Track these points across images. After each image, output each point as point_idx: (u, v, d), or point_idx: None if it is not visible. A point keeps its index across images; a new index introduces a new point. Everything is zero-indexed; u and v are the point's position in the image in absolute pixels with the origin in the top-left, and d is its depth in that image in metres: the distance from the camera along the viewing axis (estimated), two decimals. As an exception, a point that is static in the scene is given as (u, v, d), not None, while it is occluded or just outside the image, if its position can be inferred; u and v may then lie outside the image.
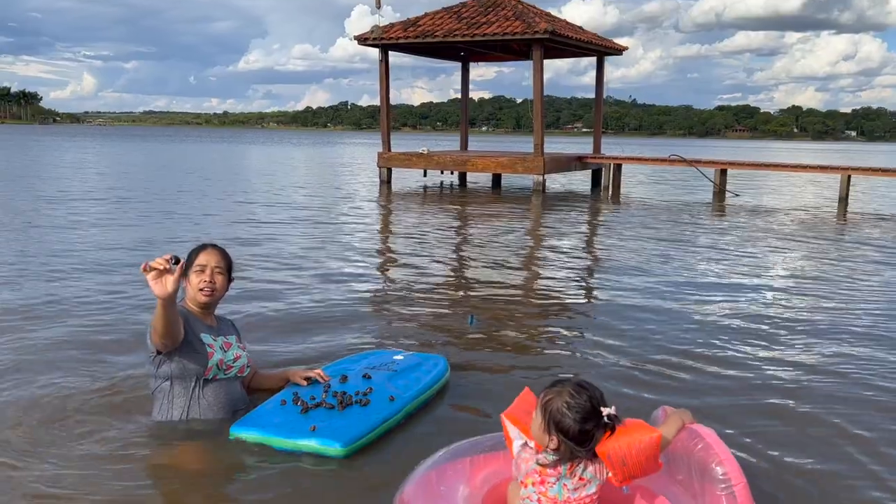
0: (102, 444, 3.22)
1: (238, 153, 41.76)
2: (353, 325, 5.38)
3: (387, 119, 20.15)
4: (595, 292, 7.00)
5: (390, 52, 19.72)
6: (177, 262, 3.04)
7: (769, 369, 4.61)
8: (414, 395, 3.63)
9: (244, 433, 3.21)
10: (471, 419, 3.59)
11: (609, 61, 21.75)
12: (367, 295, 6.54)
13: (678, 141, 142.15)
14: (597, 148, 21.69)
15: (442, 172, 22.42)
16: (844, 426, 3.71)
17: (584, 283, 7.40)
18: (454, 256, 8.86)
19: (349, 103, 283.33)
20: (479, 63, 24.33)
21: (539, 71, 17.94)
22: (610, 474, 2.28)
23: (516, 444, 2.40)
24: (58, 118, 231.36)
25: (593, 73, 21.79)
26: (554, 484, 2.27)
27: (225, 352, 3.51)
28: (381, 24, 19.17)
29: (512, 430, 2.42)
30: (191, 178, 20.84)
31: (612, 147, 28.68)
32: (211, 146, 52.81)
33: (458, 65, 23.44)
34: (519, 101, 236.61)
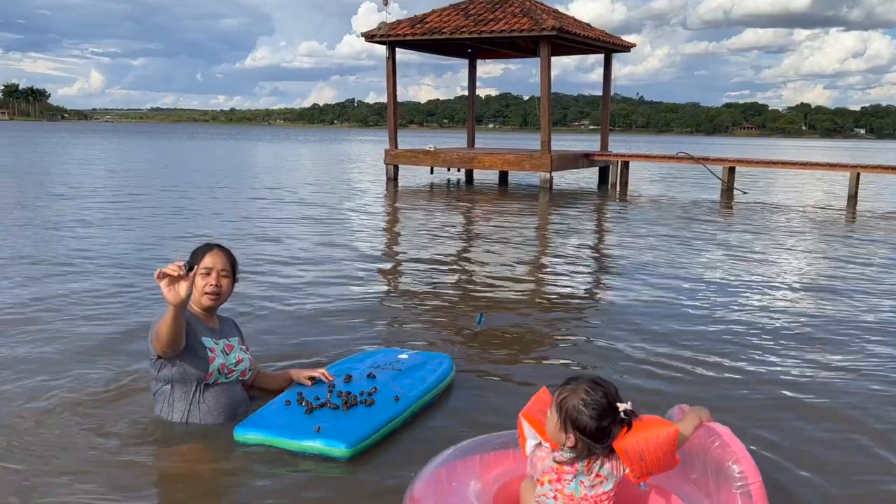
0: (106, 443, 3.20)
1: (245, 150, 41.79)
2: (357, 324, 5.34)
3: (394, 116, 20.12)
4: (603, 290, 6.95)
5: (397, 49, 19.67)
6: (190, 269, 3.09)
7: (780, 365, 4.60)
8: (419, 394, 3.60)
9: (248, 434, 3.19)
10: (476, 419, 3.55)
11: (616, 58, 21.69)
12: (372, 293, 6.51)
13: (685, 138, 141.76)
14: (604, 145, 21.61)
15: (449, 170, 22.37)
16: (860, 421, 3.71)
17: (591, 281, 7.35)
18: (460, 254, 8.82)
19: (356, 100, 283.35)
20: (487, 60, 24.25)
21: (546, 68, 17.87)
22: (627, 471, 2.26)
23: (530, 444, 2.38)
24: (66, 115, 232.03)
25: (600, 71, 21.72)
26: (571, 481, 2.26)
27: (227, 355, 3.48)
28: (388, 21, 19.14)
29: (528, 430, 2.40)
30: (199, 175, 20.85)
31: (620, 144, 28.52)
32: (218, 143, 52.88)
33: (465, 62, 23.38)
34: (526, 98, 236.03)
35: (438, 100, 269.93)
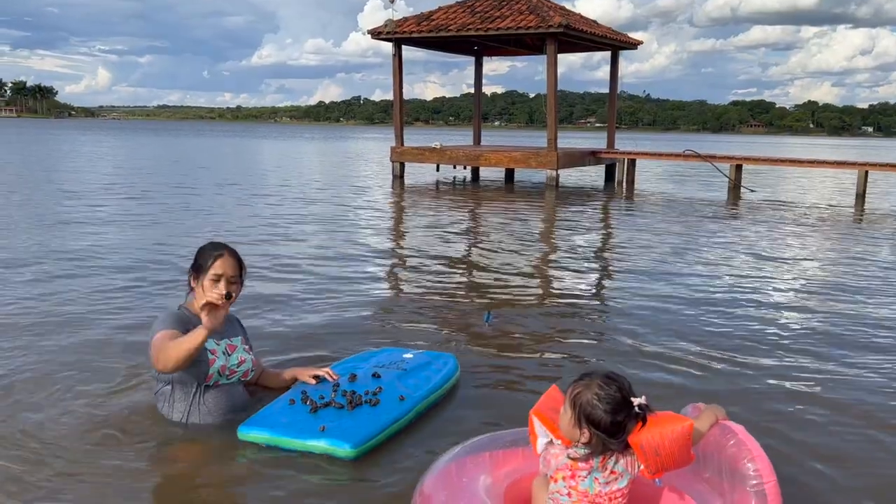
0: (109, 442, 3.18)
1: (251, 147, 41.85)
2: (362, 322, 5.32)
3: (400, 113, 20.09)
4: (610, 287, 6.91)
5: (403, 47, 19.64)
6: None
7: (790, 361, 4.60)
8: (424, 394, 3.56)
9: (252, 433, 3.16)
10: (481, 419, 3.52)
11: (623, 56, 21.60)
12: (377, 291, 6.48)
13: (692, 136, 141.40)
14: (611, 143, 21.54)
15: (455, 167, 22.33)
16: (874, 416, 3.72)
17: (598, 279, 7.31)
18: (466, 252, 8.79)
19: (362, 98, 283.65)
20: (493, 57, 24.21)
21: (553, 65, 17.82)
22: (642, 467, 2.24)
23: (541, 442, 2.36)
24: (73, 112, 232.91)
25: (606, 68, 21.70)
26: (585, 478, 2.24)
27: (228, 356, 3.46)
28: (394, 18, 19.11)
29: (539, 428, 2.38)
30: (206, 173, 20.87)
31: (626, 142, 28.48)
32: (225, 140, 52.97)
33: (471, 59, 23.34)
34: (532, 95, 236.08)
35: (444, 97, 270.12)
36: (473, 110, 25.10)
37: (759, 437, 2.42)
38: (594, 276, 7.47)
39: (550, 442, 2.34)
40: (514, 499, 2.50)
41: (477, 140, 23.97)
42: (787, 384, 4.21)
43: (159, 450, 3.18)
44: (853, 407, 3.86)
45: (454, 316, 5.59)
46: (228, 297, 3.13)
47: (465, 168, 22.13)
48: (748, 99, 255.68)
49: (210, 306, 3.03)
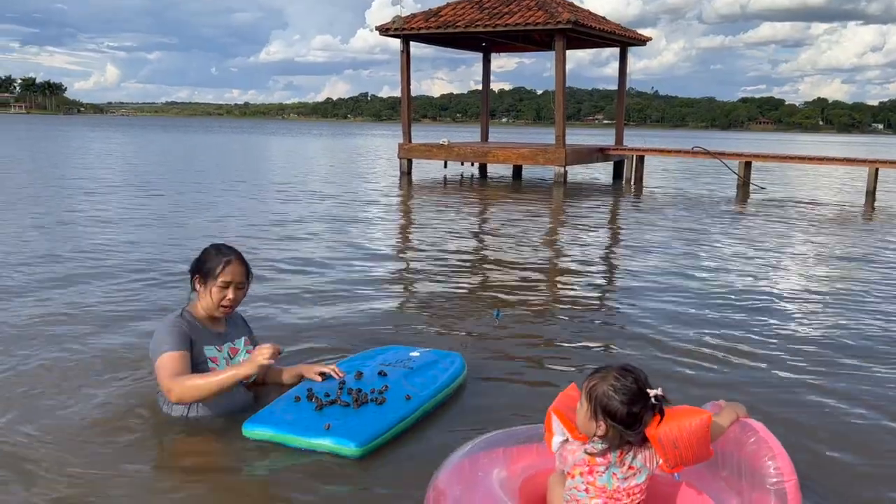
0: (112, 439, 3.16)
1: (260, 144, 41.90)
2: (368, 320, 5.29)
3: (408, 110, 20.06)
4: (620, 286, 6.86)
5: (411, 43, 19.60)
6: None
7: (804, 356, 4.59)
8: (431, 393, 3.53)
9: (257, 430, 3.14)
10: (488, 419, 3.48)
11: (631, 52, 21.52)
12: (384, 288, 6.45)
13: (701, 133, 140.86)
14: (619, 139, 21.45)
15: (462, 164, 22.30)
16: (888, 409, 3.73)
17: (608, 277, 7.26)
18: (474, 249, 8.75)
19: (369, 94, 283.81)
20: (501, 54, 24.14)
21: (561, 61, 17.75)
22: (661, 462, 2.22)
23: (556, 440, 2.34)
24: (82, 109, 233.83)
25: (615, 65, 21.62)
26: (603, 473, 2.21)
27: (231, 359, 3.46)
28: (402, 15, 19.07)
29: (556, 425, 2.36)
30: (215, 169, 20.89)
31: (635, 139, 28.38)
32: (233, 137, 53.07)
33: (479, 56, 23.28)
34: (539, 92, 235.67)
35: (452, 94, 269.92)
36: (481, 107, 25.04)
37: (774, 430, 2.40)
38: (603, 274, 7.42)
39: (566, 440, 2.32)
40: (529, 494, 2.48)
41: (484, 137, 23.91)
42: (802, 378, 4.21)
43: (163, 446, 3.17)
44: (866, 399, 3.87)
45: (462, 314, 5.56)
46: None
47: (472, 165, 22.09)
48: (757, 96, 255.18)
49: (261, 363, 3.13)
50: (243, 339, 3.60)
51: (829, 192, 17.81)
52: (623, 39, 20.12)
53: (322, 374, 3.62)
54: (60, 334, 4.66)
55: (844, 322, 5.52)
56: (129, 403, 3.55)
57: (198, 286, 3.42)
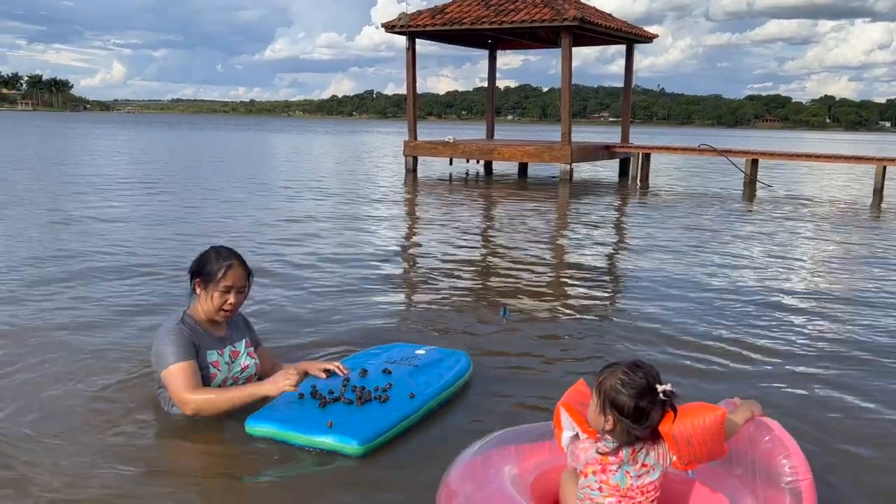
0: (115, 436, 3.14)
1: (265, 141, 41.93)
2: (374, 317, 5.26)
3: (413, 107, 20.03)
4: (626, 284, 6.82)
5: (417, 40, 19.56)
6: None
7: (815, 353, 4.58)
8: (435, 392, 3.50)
9: (259, 427, 3.12)
10: (493, 418, 3.45)
11: (637, 50, 21.41)
12: (390, 286, 6.43)
13: (707, 131, 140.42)
14: (625, 137, 21.38)
15: (468, 161, 22.26)
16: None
17: (614, 275, 7.22)
18: (480, 247, 8.72)
19: (374, 92, 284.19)
20: (507, 51, 24.08)
21: (567, 58, 17.69)
22: (674, 459, 2.20)
23: (566, 436, 2.33)
24: (88, 106, 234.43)
25: (620, 62, 21.56)
26: (616, 472, 2.20)
27: (232, 362, 3.45)
28: (408, 12, 19.03)
29: (566, 420, 2.34)
30: (221, 166, 20.91)
31: (641, 136, 28.29)
32: (239, 134, 53.10)
33: (485, 53, 23.21)
34: (545, 89, 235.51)
35: (457, 91, 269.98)
36: (487, 104, 25.00)
37: (788, 427, 2.38)
38: (610, 272, 7.38)
39: (576, 436, 2.31)
40: (541, 492, 2.47)
41: (490, 134, 23.87)
42: (815, 373, 4.20)
43: (165, 442, 3.15)
44: (880, 395, 3.87)
45: (468, 312, 5.52)
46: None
47: (477, 162, 22.05)
48: (764, 93, 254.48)
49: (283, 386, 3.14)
50: (244, 341, 3.58)
51: (837, 190, 17.72)
52: (629, 37, 20.05)
53: (326, 371, 3.59)
54: (63, 331, 4.65)
55: (855, 318, 5.49)
56: (131, 400, 3.53)
57: (198, 290, 3.39)
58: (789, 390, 3.96)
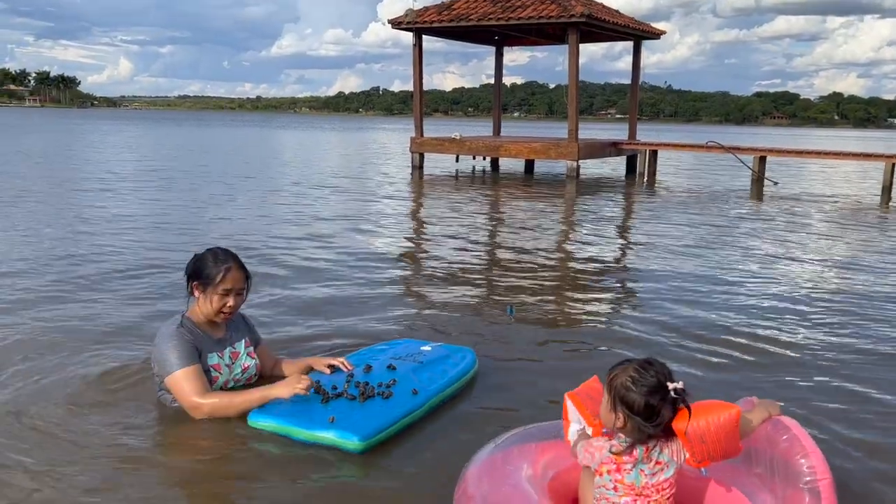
0: (117, 430, 3.13)
1: (272, 138, 41.97)
2: (380, 313, 5.25)
3: (420, 104, 20.00)
4: (634, 281, 6.78)
5: (423, 37, 19.52)
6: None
7: (825, 352, 4.55)
8: (438, 388, 3.48)
9: (262, 421, 3.12)
10: (497, 416, 3.43)
11: (645, 46, 21.32)
12: (397, 282, 6.41)
13: (714, 128, 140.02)
14: (632, 134, 21.31)
15: (474, 158, 22.22)
16: None
17: (621, 273, 7.19)
18: (487, 243, 8.70)
19: (381, 88, 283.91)
20: (513, 47, 24.03)
21: (574, 55, 17.63)
22: (688, 456, 2.19)
23: (573, 429, 2.34)
24: (95, 102, 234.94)
25: (627, 59, 21.57)
26: (630, 470, 2.19)
27: (232, 363, 3.45)
28: (414, 8, 18.99)
29: (572, 413, 2.35)
30: (228, 162, 20.93)
31: (648, 133, 28.30)
32: (246, 131, 53.17)
33: (491, 49, 23.18)
34: (552, 86, 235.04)
35: (464, 88, 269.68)
36: (493, 101, 24.94)
37: (805, 423, 2.39)
38: (617, 269, 7.35)
39: (583, 430, 2.32)
40: (558, 490, 2.45)
41: (497, 131, 23.82)
42: (825, 372, 4.18)
43: (167, 434, 3.14)
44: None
45: (475, 309, 5.51)
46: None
47: (484, 159, 22.01)
48: (772, 90, 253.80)
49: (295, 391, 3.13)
50: (244, 341, 3.57)
51: (845, 188, 17.63)
52: (637, 33, 19.97)
53: (331, 366, 3.60)
54: (65, 329, 4.65)
55: (867, 314, 5.46)
56: (135, 394, 3.52)
57: (196, 293, 3.38)
58: (802, 384, 3.96)
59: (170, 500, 2.65)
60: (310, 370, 3.66)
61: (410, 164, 19.86)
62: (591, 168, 21.91)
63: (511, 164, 22.12)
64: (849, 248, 8.73)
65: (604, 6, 19.77)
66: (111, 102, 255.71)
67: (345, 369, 3.57)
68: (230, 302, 3.37)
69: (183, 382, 3.20)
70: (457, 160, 22.19)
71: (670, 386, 2.15)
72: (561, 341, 4.74)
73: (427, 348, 3.96)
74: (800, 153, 18.94)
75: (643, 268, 7.27)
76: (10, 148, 24.27)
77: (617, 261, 7.76)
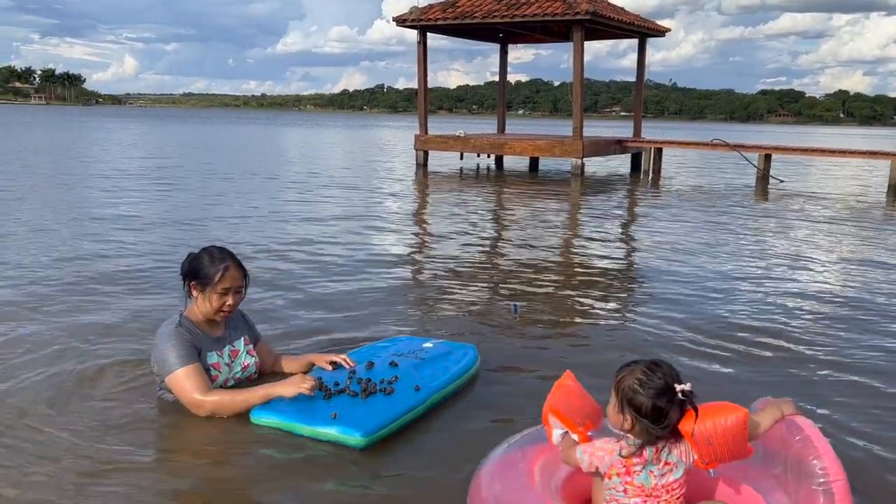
0: (118, 427, 3.13)
1: (277, 135, 42.01)
2: (383, 310, 5.24)
3: (424, 101, 19.98)
4: (639, 279, 6.77)
5: (428, 34, 19.51)
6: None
7: (833, 350, 4.52)
8: (440, 385, 3.48)
9: (264, 417, 3.12)
10: (498, 412, 3.43)
11: (649, 44, 21.24)
12: (400, 279, 6.41)
13: (719, 125, 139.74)
14: (637, 131, 21.27)
15: (479, 156, 22.20)
16: None
17: (626, 271, 7.17)
18: (491, 241, 8.69)
19: (385, 86, 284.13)
20: (518, 45, 23.98)
21: (579, 52, 17.59)
22: (696, 457, 2.19)
23: (556, 433, 2.35)
24: (100, 99, 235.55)
25: (632, 56, 21.45)
26: (640, 472, 2.19)
27: (232, 362, 3.45)
28: (419, 6, 18.98)
29: (552, 419, 2.34)
30: (234, 160, 20.95)
31: (653, 131, 28.20)
32: (251, 128, 53.24)
33: (496, 47, 23.13)
34: (556, 84, 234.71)
35: (468, 85, 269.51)
36: (498, 98, 24.92)
37: (816, 420, 2.37)
38: (622, 267, 7.33)
39: (567, 433, 2.32)
40: (572, 491, 2.44)
41: (501, 128, 23.79)
42: (833, 367, 4.19)
43: (170, 431, 3.14)
44: None
45: (478, 306, 5.50)
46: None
47: (488, 157, 21.99)
48: (777, 88, 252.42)
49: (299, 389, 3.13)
50: (243, 339, 3.57)
51: (850, 186, 17.56)
52: (641, 30, 19.92)
53: (333, 363, 3.60)
54: (68, 326, 4.66)
55: (874, 309, 5.46)
56: (137, 390, 3.52)
57: (195, 293, 3.37)
58: (811, 378, 3.97)
59: (170, 499, 2.65)
60: (311, 367, 3.66)
61: (415, 162, 19.85)
62: (596, 166, 21.88)
63: (515, 162, 22.10)
64: (855, 244, 8.69)
65: (609, 3, 19.73)
66: (116, 100, 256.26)
67: (346, 366, 3.57)
68: (229, 300, 3.36)
69: (184, 381, 3.19)
70: (461, 158, 22.18)
71: (678, 388, 2.14)
72: (564, 339, 4.73)
73: (429, 345, 3.96)
74: (805, 151, 18.88)
75: (648, 265, 7.26)
76: (16, 146, 24.32)
77: (621, 259, 7.74)
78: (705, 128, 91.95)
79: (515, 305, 5.26)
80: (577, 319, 5.21)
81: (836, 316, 5.38)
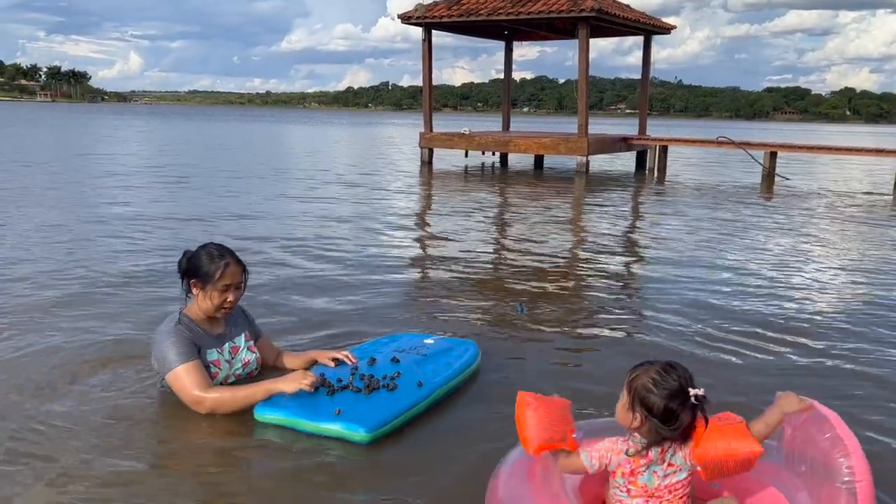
0: (121, 424, 3.14)
1: (282, 133, 42.05)
2: (386, 307, 5.25)
3: (429, 99, 19.98)
4: (643, 278, 6.76)
5: (433, 32, 19.49)
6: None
7: (843, 347, 4.53)
8: (442, 381, 3.49)
9: (268, 414, 3.13)
10: (500, 408, 3.41)
11: (655, 41, 21.22)
12: (403, 276, 6.41)
13: (725, 123, 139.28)
14: (642, 129, 21.22)
15: (483, 153, 22.19)
16: None
17: (631, 268, 7.16)
18: (495, 239, 8.69)
19: (390, 84, 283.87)
20: (523, 42, 23.95)
21: (584, 50, 17.57)
22: (700, 468, 2.20)
23: (549, 458, 2.37)
24: (105, 97, 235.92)
25: (637, 54, 21.37)
26: (644, 472, 2.20)
27: (232, 358, 3.45)
28: (424, 3, 18.96)
29: (545, 455, 2.37)
30: (238, 157, 20.98)
31: (658, 128, 28.13)
32: (255, 126, 53.29)
33: (500, 44, 23.12)
34: (561, 81, 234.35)
35: (473, 83, 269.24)
36: (503, 96, 24.89)
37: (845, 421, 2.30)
38: (626, 265, 7.32)
39: (557, 451, 2.33)
40: (590, 492, 2.44)
41: (506, 126, 23.77)
42: (844, 360, 4.21)
43: (174, 428, 3.15)
44: None
45: (481, 303, 5.50)
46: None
47: (493, 154, 21.97)
48: (783, 85, 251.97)
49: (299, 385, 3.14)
50: (243, 335, 3.58)
51: (857, 184, 17.51)
52: (647, 28, 19.87)
53: (335, 359, 3.60)
54: (69, 326, 4.67)
55: (883, 303, 5.46)
56: (138, 387, 3.53)
57: (195, 290, 3.38)
58: (825, 374, 4.00)
59: (171, 496, 2.65)
60: (314, 363, 3.67)
61: (420, 160, 19.85)
62: (601, 163, 21.84)
63: (520, 160, 22.08)
64: (861, 242, 8.67)
65: (614, 1, 19.68)
66: (121, 97, 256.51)
67: (349, 362, 3.57)
68: (230, 297, 3.37)
69: (184, 378, 3.20)
70: (466, 156, 22.16)
71: (692, 392, 2.14)
72: (567, 335, 4.73)
73: (430, 341, 3.97)
74: (811, 149, 18.82)
75: (653, 265, 7.25)
76: (23, 143, 24.39)
77: (627, 257, 7.73)
78: (711, 125, 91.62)
79: (522, 305, 5.25)
80: (578, 317, 5.20)
81: (847, 311, 5.39)
